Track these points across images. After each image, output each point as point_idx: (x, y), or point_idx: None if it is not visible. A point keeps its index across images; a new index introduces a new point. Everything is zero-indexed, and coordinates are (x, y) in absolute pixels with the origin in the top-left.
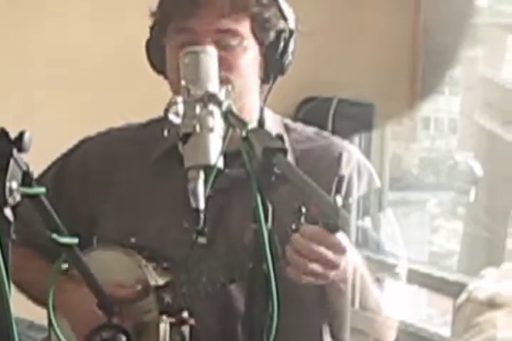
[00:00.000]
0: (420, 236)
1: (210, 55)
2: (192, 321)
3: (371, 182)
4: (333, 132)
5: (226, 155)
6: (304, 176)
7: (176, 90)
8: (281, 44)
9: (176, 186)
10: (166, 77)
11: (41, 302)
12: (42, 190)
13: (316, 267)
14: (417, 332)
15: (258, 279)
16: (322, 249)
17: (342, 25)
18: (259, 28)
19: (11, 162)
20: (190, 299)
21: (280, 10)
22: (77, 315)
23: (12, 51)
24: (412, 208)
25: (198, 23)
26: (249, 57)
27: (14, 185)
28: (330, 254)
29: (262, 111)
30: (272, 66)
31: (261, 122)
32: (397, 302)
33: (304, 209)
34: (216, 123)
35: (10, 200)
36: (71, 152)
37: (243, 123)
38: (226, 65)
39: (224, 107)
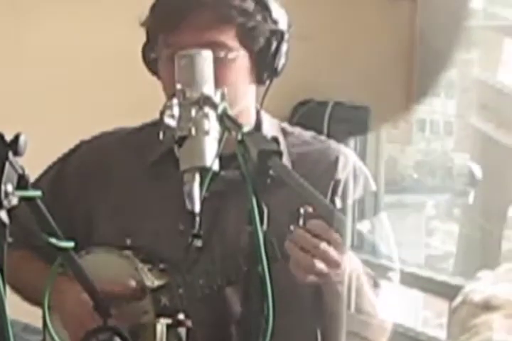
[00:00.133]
0: (416, 238)
1: (205, 58)
2: (189, 323)
3: (367, 186)
4: (329, 135)
5: (222, 157)
6: (300, 179)
7: (169, 97)
8: (273, 47)
9: (172, 189)
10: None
11: (39, 303)
12: (38, 193)
13: (319, 264)
14: (414, 335)
15: (254, 281)
16: (325, 245)
17: (338, 28)
18: (247, 37)
19: (7, 165)
20: (187, 301)
21: (269, 13)
22: (73, 317)
23: (11, 51)
24: (407, 210)
25: (182, 36)
26: (239, 66)
27: (9, 188)
28: (332, 251)
29: (258, 114)
30: (265, 70)
31: (258, 125)
32: (392, 305)
33: (302, 211)
34: (212, 126)
35: (5, 203)
36: (67, 156)
37: (238, 126)
38: (215, 78)
39: (219, 110)
